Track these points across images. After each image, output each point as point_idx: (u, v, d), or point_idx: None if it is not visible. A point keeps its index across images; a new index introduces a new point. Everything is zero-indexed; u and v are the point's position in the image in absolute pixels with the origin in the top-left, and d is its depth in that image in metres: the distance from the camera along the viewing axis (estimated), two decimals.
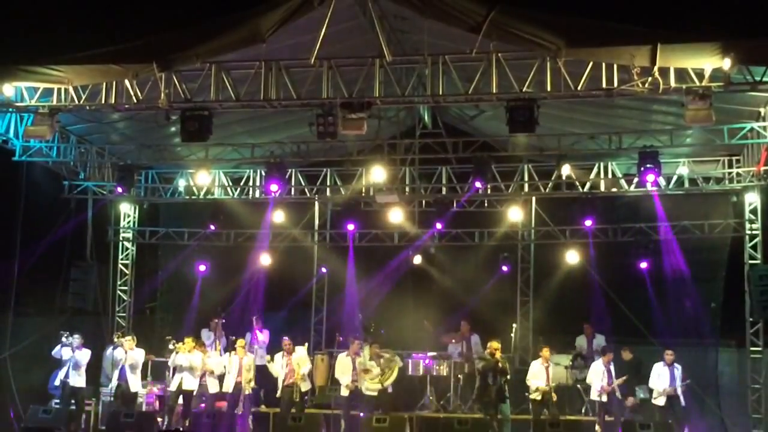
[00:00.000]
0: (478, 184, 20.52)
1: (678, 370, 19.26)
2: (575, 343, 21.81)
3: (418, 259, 23.71)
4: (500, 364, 18.66)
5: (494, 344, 18.96)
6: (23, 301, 21.12)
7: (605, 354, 19.66)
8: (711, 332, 22.39)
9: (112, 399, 19.99)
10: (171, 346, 19.88)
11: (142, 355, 20.22)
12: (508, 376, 18.77)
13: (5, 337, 20.71)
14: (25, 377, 20.80)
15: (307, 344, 20.90)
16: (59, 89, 16.52)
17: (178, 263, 24.68)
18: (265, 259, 23.80)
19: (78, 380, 19.67)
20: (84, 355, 19.75)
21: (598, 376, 19.37)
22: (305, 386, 20.00)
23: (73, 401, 19.73)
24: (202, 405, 20.09)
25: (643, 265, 22.19)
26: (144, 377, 20.84)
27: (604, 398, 19.23)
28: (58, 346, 19.62)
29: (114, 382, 19.79)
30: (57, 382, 19.83)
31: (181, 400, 19.69)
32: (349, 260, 23.95)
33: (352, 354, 19.99)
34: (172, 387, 19.73)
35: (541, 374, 19.48)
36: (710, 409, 21.30)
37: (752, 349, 20.74)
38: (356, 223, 22.71)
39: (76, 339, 19.77)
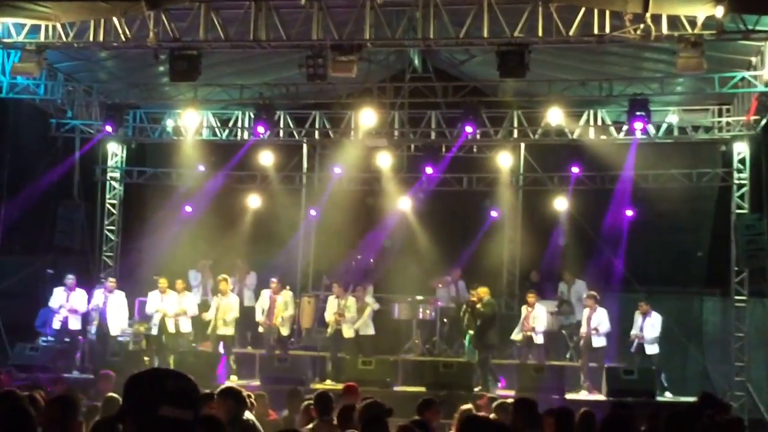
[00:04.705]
0: (468, 129, 20.42)
1: (652, 318, 19.33)
2: (558, 290, 21.90)
3: (406, 204, 23.63)
4: (478, 307, 18.81)
5: (480, 289, 19.09)
6: (9, 239, 21.10)
7: (588, 300, 19.70)
8: (696, 281, 22.51)
9: (96, 338, 20.11)
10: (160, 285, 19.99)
11: (123, 297, 20.26)
12: (480, 319, 18.98)
13: None
14: (11, 315, 20.83)
15: (288, 287, 20.86)
16: (47, 26, 16.35)
17: (165, 204, 24.60)
18: (253, 201, 23.77)
19: (75, 323, 19.79)
20: (80, 298, 19.81)
21: (584, 323, 19.46)
22: (285, 330, 20.11)
23: (67, 339, 19.85)
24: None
25: (629, 213, 22.23)
26: (131, 317, 20.88)
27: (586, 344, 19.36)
28: (59, 290, 19.73)
29: (96, 323, 19.90)
30: (56, 325, 19.83)
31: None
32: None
33: (337, 296, 20.09)
34: (154, 329, 19.83)
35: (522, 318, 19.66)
36: (694, 357, 21.49)
37: (736, 298, 20.83)
38: (344, 167, 22.63)
39: (70, 279, 19.84)
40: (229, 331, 19.92)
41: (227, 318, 19.79)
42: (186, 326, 19.96)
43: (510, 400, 10.34)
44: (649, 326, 19.25)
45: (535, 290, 20.49)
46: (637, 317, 19.45)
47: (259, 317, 20.22)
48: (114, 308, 19.99)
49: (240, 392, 8.28)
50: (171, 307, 19.78)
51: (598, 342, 19.22)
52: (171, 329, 19.78)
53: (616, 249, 22.17)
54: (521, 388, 17.72)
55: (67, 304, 19.73)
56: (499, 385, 18.95)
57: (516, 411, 8.85)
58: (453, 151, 22.56)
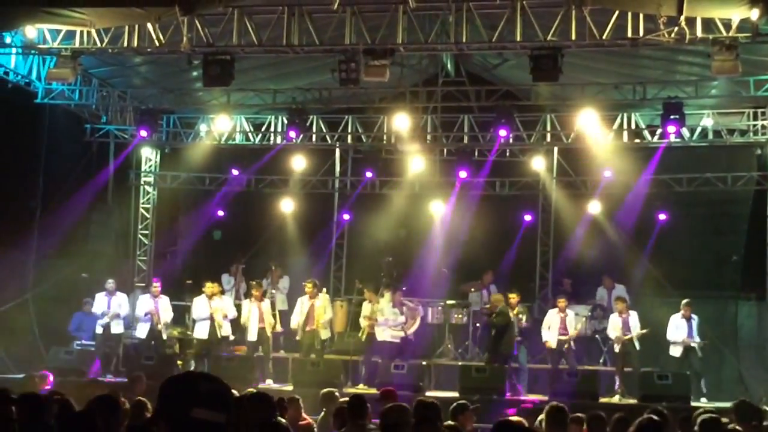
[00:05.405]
0: (502, 132, 20.35)
1: (695, 322, 19.14)
2: (596, 295, 21.76)
3: (439, 208, 23.55)
4: (491, 318, 18.85)
5: (495, 296, 19.16)
6: (44, 243, 21.23)
7: (617, 304, 19.50)
8: (731, 285, 22.33)
9: (137, 342, 20.20)
10: (205, 289, 19.95)
11: (168, 302, 20.34)
12: (494, 329, 18.97)
13: (27, 279, 20.88)
14: (46, 319, 20.95)
15: (325, 289, 20.81)
16: (82, 32, 16.51)
17: (198, 208, 24.69)
18: (286, 205, 23.83)
19: (118, 327, 19.94)
20: (122, 302, 19.96)
21: (616, 328, 19.29)
22: (325, 334, 20.10)
23: (108, 343, 19.99)
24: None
25: (663, 216, 22.11)
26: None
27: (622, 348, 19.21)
28: (100, 296, 19.84)
29: (149, 327, 19.97)
30: (99, 330, 19.95)
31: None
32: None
33: (369, 301, 20.04)
34: (202, 333, 19.83)
35: (555, 323, 19.51)
36: (729, 362, 21.28)
37: None
38: (376, 171, 22.64)
39: (110, 284, 19.97)
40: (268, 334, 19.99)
41: (269, 322, 19.86)
42: (227, 330, 19.94)
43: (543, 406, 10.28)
44: (696, 329, 19.07)
45: (565, 296, 20.40)
46: (680, 321, 19.06)
47: (294, 324, 20.12)
48: (163, 313, 20.08)
49: (270, 396, 8.27)
50: (217, 312, 19.78)
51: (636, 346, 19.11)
52: (218, 333, 19.78)
53: (649, 253, 22.04)
54: (555, 393, 17.64)
55: (110, 310, 19.87)
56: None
57: (549, 417, 8.80)
58: (491, 156, 22.50)
